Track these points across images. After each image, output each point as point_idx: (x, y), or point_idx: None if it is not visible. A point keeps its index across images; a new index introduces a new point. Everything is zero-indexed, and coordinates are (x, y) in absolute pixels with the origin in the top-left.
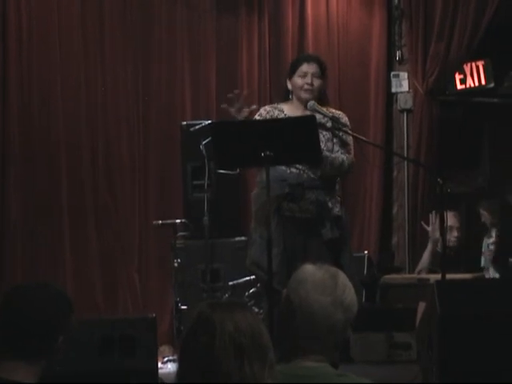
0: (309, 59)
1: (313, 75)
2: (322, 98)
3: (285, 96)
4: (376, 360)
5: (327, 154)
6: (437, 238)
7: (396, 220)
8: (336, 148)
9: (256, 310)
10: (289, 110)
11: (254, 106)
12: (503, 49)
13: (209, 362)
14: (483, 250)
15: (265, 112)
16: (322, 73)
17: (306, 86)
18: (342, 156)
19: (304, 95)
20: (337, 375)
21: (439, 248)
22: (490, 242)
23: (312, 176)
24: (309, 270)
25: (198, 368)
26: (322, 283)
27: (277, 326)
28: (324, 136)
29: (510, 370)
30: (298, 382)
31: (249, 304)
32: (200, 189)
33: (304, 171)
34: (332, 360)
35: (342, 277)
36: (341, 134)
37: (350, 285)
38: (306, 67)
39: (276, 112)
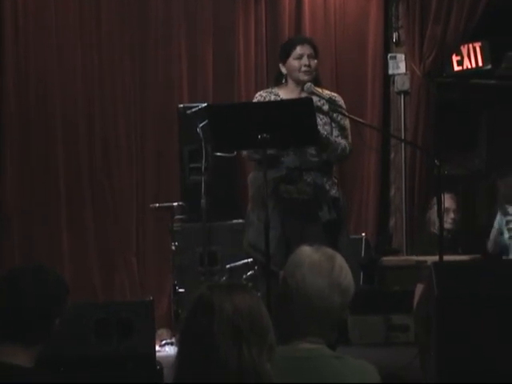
0: (302, 41)
1: (309, 56)
2: (316, 79)
3: (277, 80)
4: (374, 342)
5: (331, 138)
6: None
7: (393, 202)
8: (336, 133)
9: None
10: (284, 93)
11: None
12: (500, 30)
13: (207, 346)
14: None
15: (261, 98)
16: (316, 53)
17: (303, 68)
18: (344, 142)
19: (303, 77)
20: (334, 357)
21: (436, 230)
22: (509, 219)
23: (311, 159)
24: (306, 252)
25: (197, 352)
26: (319, 265)
27: (274, 309)
28: (321, 120)
29: (508, 351)
30: (295, 364)
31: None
32: (197, 171)
33: (303, 154)
34: (330, 342)
35: (339, 259)
36: (338, 117)
37: (346, 267)
38: (300, 49)
39: (272, 97)
